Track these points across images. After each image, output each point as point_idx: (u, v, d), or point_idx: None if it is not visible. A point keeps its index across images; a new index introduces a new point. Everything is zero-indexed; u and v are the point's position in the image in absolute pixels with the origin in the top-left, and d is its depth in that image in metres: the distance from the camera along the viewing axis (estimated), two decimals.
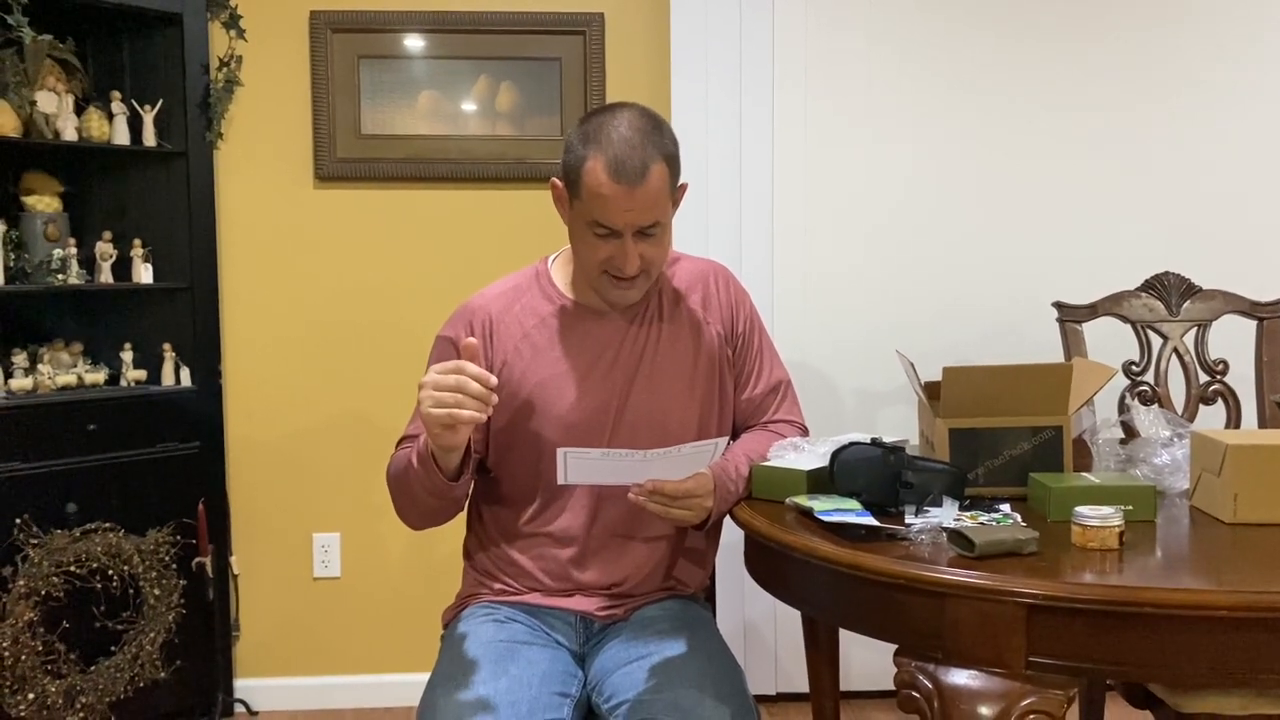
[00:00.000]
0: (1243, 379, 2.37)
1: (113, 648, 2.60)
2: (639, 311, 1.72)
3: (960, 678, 1.33)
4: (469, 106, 2.88)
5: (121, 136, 2.69)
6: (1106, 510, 1.41)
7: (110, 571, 2.56)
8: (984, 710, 1.31)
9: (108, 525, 2.57)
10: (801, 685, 2.29)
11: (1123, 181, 2.85)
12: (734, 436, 1.80)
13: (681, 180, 1.65)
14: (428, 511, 1.65)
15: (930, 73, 2.82)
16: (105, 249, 2.69)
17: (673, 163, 1.60)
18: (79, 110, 2.67)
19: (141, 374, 2.75)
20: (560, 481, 1.57)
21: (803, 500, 1.56)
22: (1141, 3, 2.83)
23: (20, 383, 2.57)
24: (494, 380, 1.47)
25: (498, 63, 2.86)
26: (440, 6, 2.84)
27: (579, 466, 1.54)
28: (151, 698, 2.66)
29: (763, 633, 2.90)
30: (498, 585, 1.73)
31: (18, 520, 2.45)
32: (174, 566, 2.68)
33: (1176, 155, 2.85)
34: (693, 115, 2.78)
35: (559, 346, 1.69)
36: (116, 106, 2.69)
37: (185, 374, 2.77)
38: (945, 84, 2.82)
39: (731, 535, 1.74)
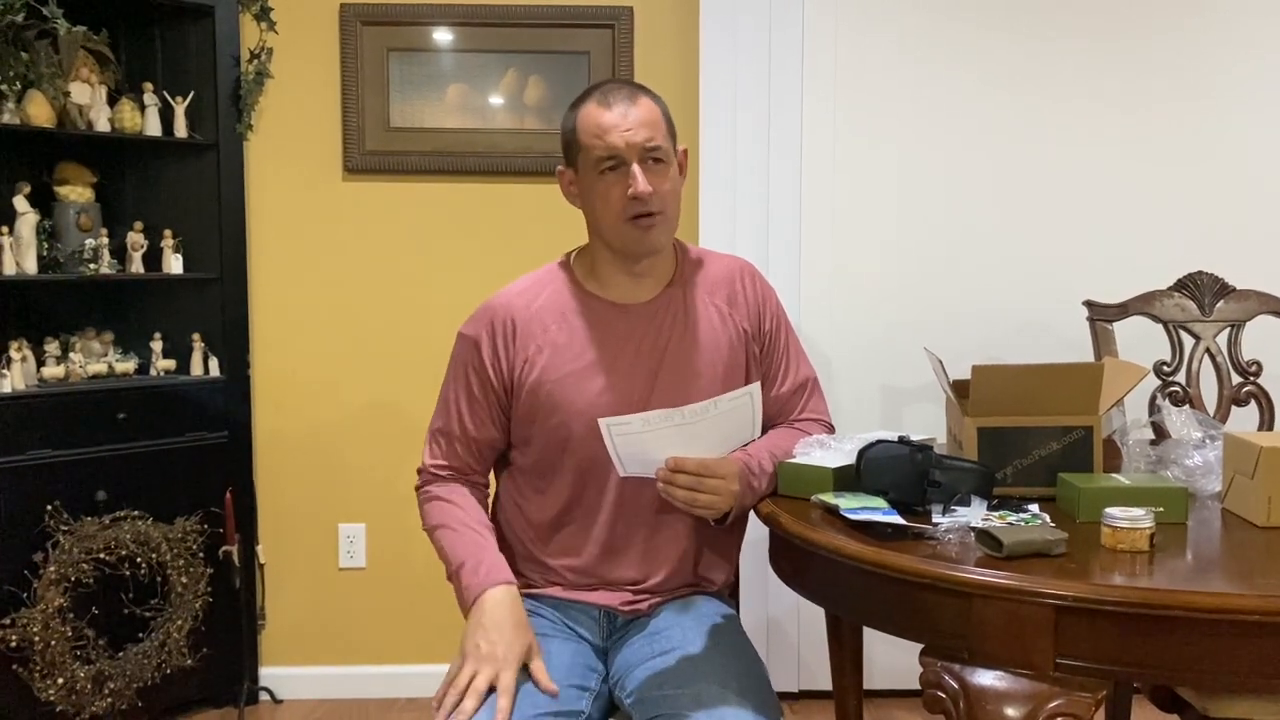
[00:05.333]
0: (1276, 380, 2.34)
1: (141, 634, 2.63)
2: (663, 306, 1.72)
3: (987, 678, 1.32)
4: (497, 100, 2.88)
5: (153, 128, 2.72)
6: (1137, 512, 1.39)
7: (139, 559, 2.59)
8: (1010, 711, 1.30)
9: (136, 513, 2.60)
10: (825, 683, 2.28)
11: (1156, 179, 2.82)
12: (760, 434, 1.79)
13: (682, 145, 1.71)
14: None
15: (959, 69, 2.80)
16: (136, 239, 2.71)
17: (662, 107, 1.68)
18: (112, 101, 2.69)
19: (171, 364, 2.77)
20: (621, 474, 1.58)
21: (829, 498, 1.56)
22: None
23: (52, 371, 2.60)
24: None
25: (526, 56, 2.86)
26: (470, 0, 2.84)
27: (627, 447, 1.55)
28: (178, 685, 2.69)
29: (786, 630, 2.89)
30: (521, 578, 1.73)
31: (49, 507, 2.48)
32: (201, 555, 2.70)
33: (1210, 153, 2.82)
34: (721, 108, 2.77)
35: (582, 341, 1.69)
36: (149, 98, 2.71)
37: (214, 364, 2.79)
38: (974, 80, 2.80)
39: (756, 532, 1.74)
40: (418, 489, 1.76)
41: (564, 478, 1.69)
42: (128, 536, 2.57)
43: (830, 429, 1.84)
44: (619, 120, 1.61)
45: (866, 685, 2.11)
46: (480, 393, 1.71)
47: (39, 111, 2.55)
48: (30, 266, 2.56)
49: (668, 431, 1.55)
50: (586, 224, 1.72)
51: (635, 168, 1.61)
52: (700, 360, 1.71)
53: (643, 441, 1.55)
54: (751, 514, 1.69)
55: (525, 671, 1.54)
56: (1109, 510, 1.40)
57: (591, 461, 1.66)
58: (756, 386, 1.66)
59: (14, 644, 2.42)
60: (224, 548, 2.75)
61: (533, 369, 1.68)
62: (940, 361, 1.83)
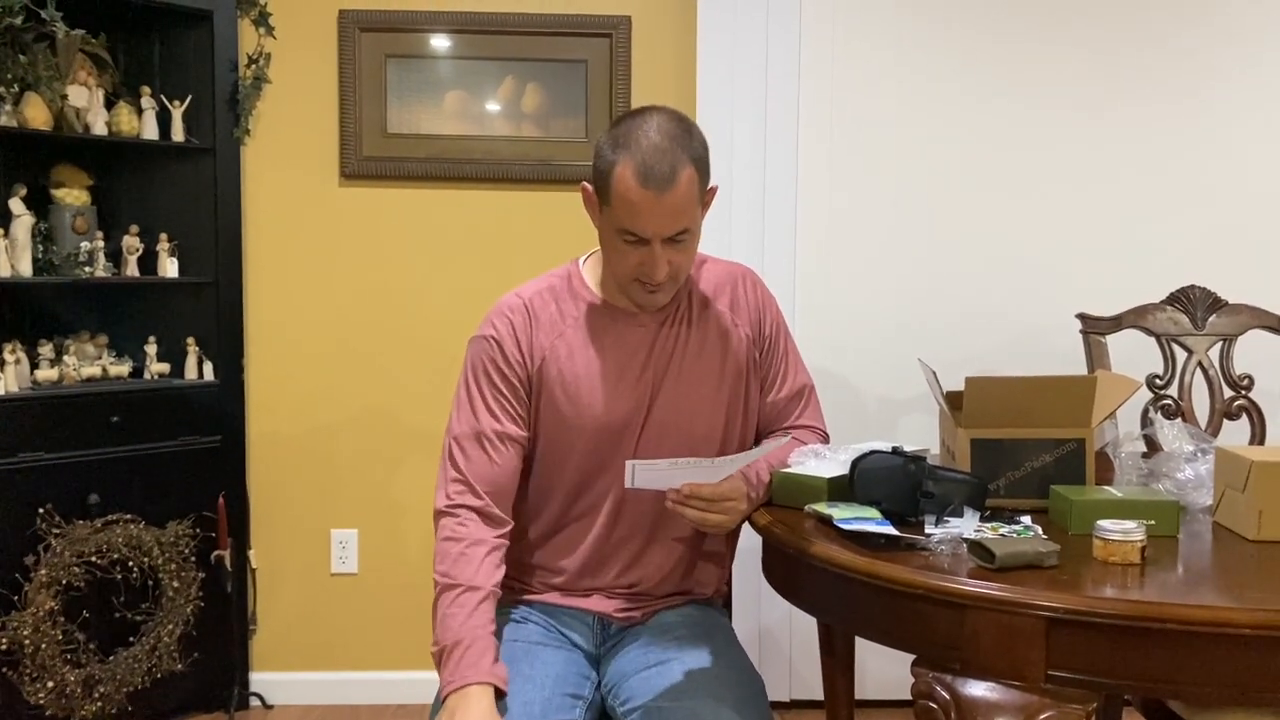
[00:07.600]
0: (1268, 394, 2.35)
1: (131, 638, 2.62)
2: (669, 314, 1.72)
3: (978, 689, 1.32)
4: (495, 107, 2.88)
5: (150, 131, 2.72)
6: (1129, 524, 1.40)
7: (130, 563, 2.59)
8: None
9: (129, 517, 2.60)
10: (816, 692, 2.28)
11: (1150, 193, 2.83)
12: (756, 441, 1.79)
13: (711, 183, 1.64)
14: None
15: (957, 80, 2.81)
16: (132, 242, 2.71)
17: (701, 165, 1.59)
18: (109, 105, 2.69)
19: (165, 367, 2.77)
20: (627, 485, 1.57)
21: (822, 508, 1.56)
22: (1171, 8, 2.81)
23: (46, 373, 2.59)
24: None
25: (524, 64, 2.87)
26: (468, 7, 2.85)
27: (649, 483, 1.55)
28: (168, 689, 2.68)
29: (778, 639, 2.89)
30: (515, 584, 1.74)
31: (40, 510, 2.48)
32: (193, 559, 2.70)
33: (1205, 167, 2.83)
34: (718, 120, 2.77)
35: (591, 348, 1.69)
36: (146, 102, 2.71)
37: (208, 368, 2.79)
38: (971, 91, 2.81)
39: (749, 540, 1.74)
40: (439, 512, 1.66)
41: (565, 481, 1.69)
42: (119, 540, 2.57)
43: (825, 438, 1.84)
44: (652, 206, 1.54)
45: (858, 695, 2.11)
46: (507, 388, 1.67)
47: (36, 114, 2.55)
48: (25, 269, 2.56)
49: (693, 471, 1.54)
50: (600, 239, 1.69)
51: (657, 250, 1.57)
52: (706, 368, 1.71)
53: (669, 478, 1.55)
54: (745, 523, 1.69)
55: (517, 681, 1.53)
56: (1101, 523, 1.41)
57: (593, 467, 1.67)
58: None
59: (4, 647, 2.41)
60: (216, 552, 2.74)
61: (550, 366, 1.68)
62: (934, 373, 1.83)
